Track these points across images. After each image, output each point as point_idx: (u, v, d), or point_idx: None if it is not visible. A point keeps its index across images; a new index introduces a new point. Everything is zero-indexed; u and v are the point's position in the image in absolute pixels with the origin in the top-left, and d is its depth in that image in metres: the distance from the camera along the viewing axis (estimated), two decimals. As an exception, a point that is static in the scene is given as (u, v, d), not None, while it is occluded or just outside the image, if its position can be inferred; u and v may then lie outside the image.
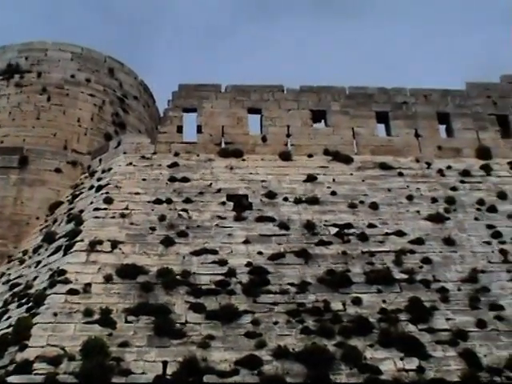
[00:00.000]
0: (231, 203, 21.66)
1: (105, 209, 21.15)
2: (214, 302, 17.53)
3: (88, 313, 16.95)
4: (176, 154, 23.85)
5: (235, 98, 25.42)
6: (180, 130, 24.64)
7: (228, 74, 59.19)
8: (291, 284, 18.30)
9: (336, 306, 17.69)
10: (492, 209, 21.83)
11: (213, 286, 18.09)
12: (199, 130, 24.67)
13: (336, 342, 16.44)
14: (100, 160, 24.64)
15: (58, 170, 24.71)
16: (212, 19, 70.81)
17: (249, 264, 18.90)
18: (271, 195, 21.97)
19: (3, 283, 20.77)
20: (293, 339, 16.49)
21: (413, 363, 16.05)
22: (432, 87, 26.40)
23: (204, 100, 25.26)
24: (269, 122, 25.02)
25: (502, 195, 22.48)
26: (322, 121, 25.57)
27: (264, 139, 24.52)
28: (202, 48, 68.53)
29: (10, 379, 14.99)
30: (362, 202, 21.86)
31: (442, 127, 25.73)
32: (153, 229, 20.27)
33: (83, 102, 26.86)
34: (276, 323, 16.95)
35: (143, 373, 15.35)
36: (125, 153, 23.96)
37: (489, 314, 17.71)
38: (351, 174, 23.34)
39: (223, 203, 21.61)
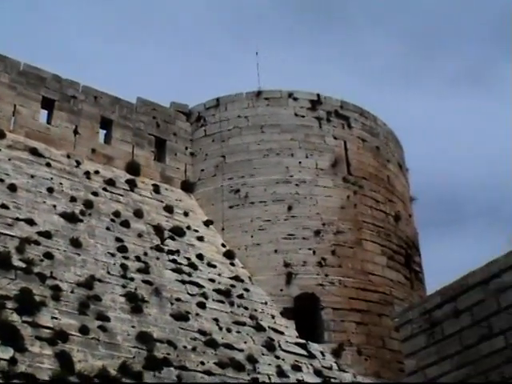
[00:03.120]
0: None
1: None
2: None
3: None
4: None
5: None
6: None
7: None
8: None
9: None
10: (125, 223, 23.70)
11: None
12: None
13: None
14: None
15: None
16: None
17: None
18: None
19: None
20: None
21: (7, 353, 16.43)
22: (105, 91, 27.86)
23: None
24: None
25: (138, 213, 24.52)
26: (-12, 89, 25.43)
27: None
28: None
29: None
30: (1, 181, 22.21)
31: (103, 132, 27.27)
32: None
33: None
34: None
35: None
36: None
37: (94, 323, 18.93)
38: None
39: None
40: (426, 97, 68.34)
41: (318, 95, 29.55)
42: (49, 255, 20.41)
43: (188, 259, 24.10)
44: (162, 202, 26.25)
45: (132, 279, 21.56)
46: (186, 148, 28.94)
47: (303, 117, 28.84)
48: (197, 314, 21.85)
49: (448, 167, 62.45)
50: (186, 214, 26.38)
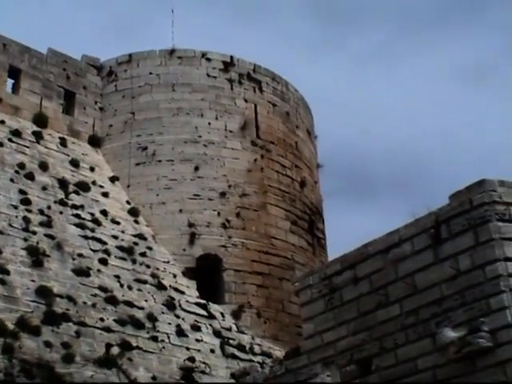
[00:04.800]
0: None
1: None
2: None
3: None
4: None
5: None
6: None
7: None
8: None
9: None
10: (30, 176, 23.22)
11: None
12: None
13: None
14: None
15: None
16: None
17: None
18: None
19: None
20: None
21: None
22: (16, 39, 26.95)
23: None
24: None
25: (43, 166, 24.04)
26: None
27: None
28: None
29: None
30: None
31: (11, 81, 26.44)
32: None
33: None
34: None
35: None
36: None
37: (-7, 276, 18.72)
38: None
39: None
40: (339, 67, 68.95)
41: (232, 57, 29.48)
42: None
43: (92, 215, 23.85)
44: (68, 155, 25.76)
45: (34, 233, 21.25)
46: (96, 102, 28.41)
47: (215, 78, 28.75)
48: (98, 271, 21.73)
49: (359, 138, 63.50)
50: (92, 169, 26.02)
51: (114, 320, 20.29)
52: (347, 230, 40.89)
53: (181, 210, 26.02)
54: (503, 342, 13.50)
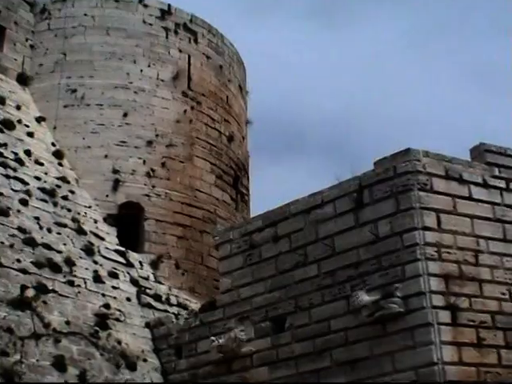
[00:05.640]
0: None
1: None
2: None
3: None
4: None
5: None
6: None
7: None
8: None
9: None
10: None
11: None
12: None
13: None
14: None
15: None
16: None
17: None
18: None
19: None
20: None
21: None
22: None
23: None
24: None
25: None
26: None
27: None
28: None
29: None
30: None
31: None
32: None
33: None
34: None
35: None
36: None
37: None
38: None
39: None
40: (279, 27, 68.27)
41: (169, 5, 28.90)
42: None
43: (15, 154, 23.15)
44: (-7, 91, 24.91)
45: (-47, 169, 20.56)
46: (27, 40, 27.41)
47: (151, 25, 28.14)
48: (18, 211, 21.17)
49: (292, 98, 63.15)
50: (18, 108, 25.21)
51: (31, 262, 19.86)
52: (271, 189, 41.00)
53: (106, 156, 25.58)
54: (414, 309, 13.78)
